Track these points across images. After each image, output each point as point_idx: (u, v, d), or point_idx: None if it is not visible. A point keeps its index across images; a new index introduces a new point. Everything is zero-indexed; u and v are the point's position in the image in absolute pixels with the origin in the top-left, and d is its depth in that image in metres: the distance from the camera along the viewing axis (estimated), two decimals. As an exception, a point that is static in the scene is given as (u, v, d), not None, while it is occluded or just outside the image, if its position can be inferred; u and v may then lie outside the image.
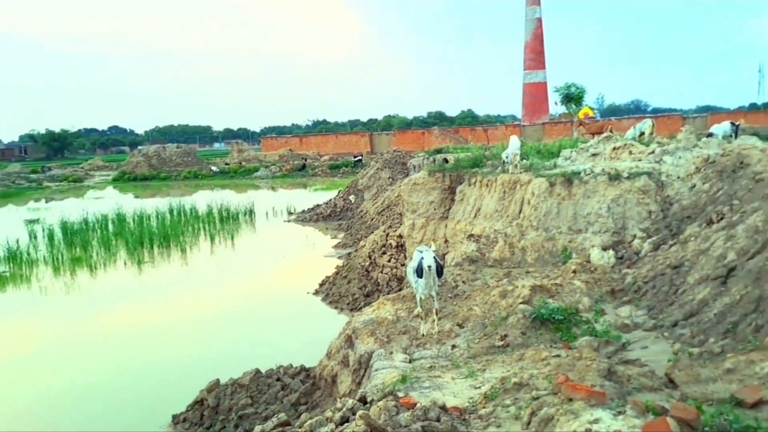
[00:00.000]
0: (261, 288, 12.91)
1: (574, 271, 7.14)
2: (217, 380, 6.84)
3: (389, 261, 11.09)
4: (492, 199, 9.59)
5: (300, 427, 4.20)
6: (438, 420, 3.78)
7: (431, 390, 4.50)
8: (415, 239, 9.90)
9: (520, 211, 9.05)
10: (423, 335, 5.87)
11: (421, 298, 6.06)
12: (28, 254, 16.09)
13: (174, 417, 6.51)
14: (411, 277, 6.18)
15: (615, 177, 8.49)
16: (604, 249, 7.84)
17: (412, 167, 16.16)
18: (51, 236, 18.41)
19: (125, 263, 15.60)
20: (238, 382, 6.75)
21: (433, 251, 6.05)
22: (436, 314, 6.11)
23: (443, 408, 3.95)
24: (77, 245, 17.30)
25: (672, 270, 6.19)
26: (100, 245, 17.34)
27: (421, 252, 5.65)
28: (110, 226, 20.04)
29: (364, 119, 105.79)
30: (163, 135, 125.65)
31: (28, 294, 13.14)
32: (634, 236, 7.93)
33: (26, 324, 11.18)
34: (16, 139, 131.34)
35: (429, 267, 5.54)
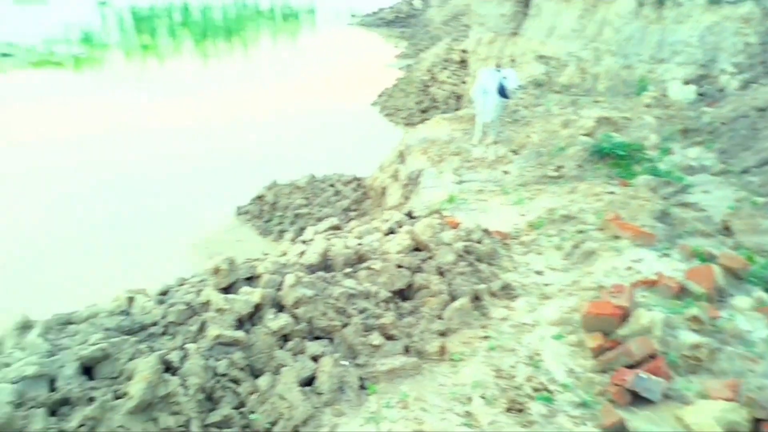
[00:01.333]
0: (319, 93, 12.78)
1: (648, 105, 6.65)
2: (276, 180, 7.06)
3: (449, 77, 10.61)
4: (570, 17, 8.73)
5: (349, 232, 4.32)
6: (479, 242, 3.80)
7: (477, 212, 4.49)
8: (479, 55, 9.31)
9: (599, 33, 8.27)
10: (475, 158, 5.74)
11: (481, 122, 5.82)
12: (100, 38, 16.20)
13: (238, 209, 6.86)
14: (475, 97, 5.88)
15: (715, 1, 7.51)
16: (686, 83, 7.20)
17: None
18: (121, 21, 18.34)
19: (190, 54, 15.55)
20: (295, 183, 6.94)
21: (502, 72, 5.70)
22: (493, 139, 5.92)
23: (486, 231, 3.96)
24: (145, 32, 17.22)
25: (757, 112, 5.67)
26: (167, 34, 17.22)
27: (498, 72, 5.27)
28: (176, 16, 19.71)
29: None
30: None
31: (101, 77, 13.44)
32: (723, 71, 7.20)
33: (99, 105, 11.56)
34: None
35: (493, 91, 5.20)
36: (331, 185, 6.90)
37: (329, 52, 16.92)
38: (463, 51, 10.41)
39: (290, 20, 20.56)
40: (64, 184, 7.73)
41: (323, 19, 21.58)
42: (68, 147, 9.10)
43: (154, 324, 3.13)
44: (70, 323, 3.32)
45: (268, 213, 6.83)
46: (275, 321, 2.90)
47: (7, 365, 2.86)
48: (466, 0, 14.55)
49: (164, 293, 3.48)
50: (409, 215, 4.36)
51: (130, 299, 3.36)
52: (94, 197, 7.37)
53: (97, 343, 2.85)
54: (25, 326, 3.32)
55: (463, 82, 9.87)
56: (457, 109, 8.98)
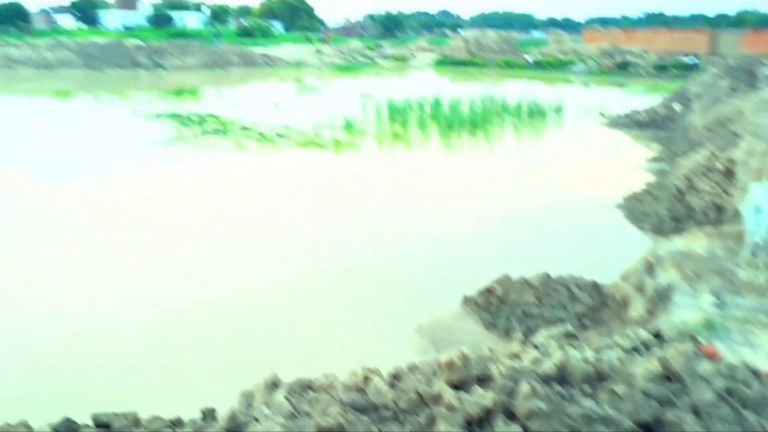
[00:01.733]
0: (560, 189, 12.64)
1: None
2: (507, 274, 7.05)
3: (710, 187, 9.75)
4: None
5: (586, 343, 4.10)
6: (746, 384, 3.32)
7: (741, 347, 3.95)
8: (750, 168, 8.43)
9: None
10: (742, 281, 5.11)
11: (752, 241, 5.22)
12: (360, 126, 18.24)
13: (465, 298, 6.97)
14: (746, 214, 5.33)
15: None
16: None
17: (763, 78, 13.55)
18: (378, 112, 20.52)
19: (436, 144, 16.66)
20: (527, 280, 6.85)
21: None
22: (765, 262, 5.24)
23: (755, 372, 3.45)
24: (398, 122, 18.96)
25: None
26: (417, 125, 18.75)
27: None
28: (427, 109, 21.41)
29: (711, 14, 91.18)
30: (487, 21, 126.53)
31: (356, 158, 15.05)
32: None
33: (349, 183, 12.88)
34: (360, 18, 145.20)
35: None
36: (566, 287, 6.67)
37: (574, 149, 16.80)
38: (730, 160, 9.54)
39: (536, 117, 20.96)
40: (301, 251, 8.68)
41: (570, 117, 21.60)
42: (314, 217, 10.22)
43: (386, 407, 3.24)
44: (310, 389, 3.58)
45: (495, 307, 6.81)
46: (506, 429, 2.82)
47: (256, 420, 3.17)
48: (736, 106, 13.47)
49: (396, 377, 3.60)
50: (657, 336, 4.00)
51: (366, 378, 3.53)
52: (333, 268, 8.11)
53: (334, 416, 3.04)
54: (273, 385, 3.67)
55: (727, 194, 8.99)
56: (717, 223, 8.18)
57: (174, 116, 20.02)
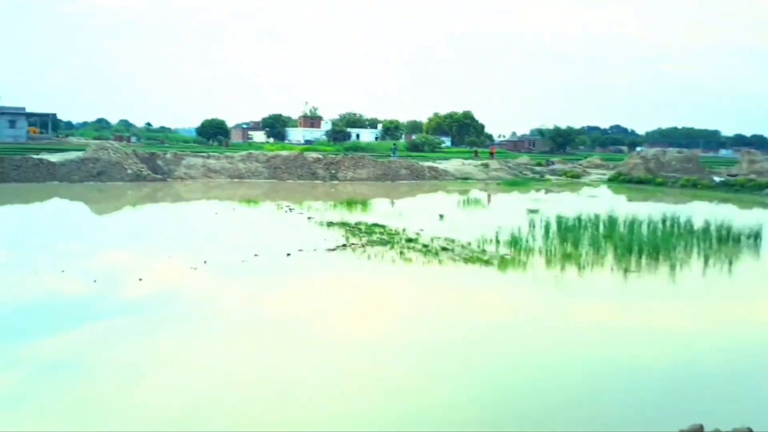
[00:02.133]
0: (761, 328, 11.08)
1: None
2: (701, 425, 6.13)
3: None
4: None
5: None
6: None
7: None
8: None
9: None
10: None
11: None
12: (527, 242, 17.83)
13: None
14: None
15: None
16: None
17: None
18: (547, 228, 20.01)
19: (612, 268, 15.67)
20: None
21: None
22: None
23: None
24: (569, 241, 18.26)
25: None
26: (589, 245, 17.90)
27: None
28: (601, 227, 20.48)
29: None
30: (665, 137, 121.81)
31: (523, 277, 14.56)
32: None
33: (518, 302, 12.41)
34: (527, 132, 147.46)
35: None
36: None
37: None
38: None
39: (728, 243, 19.09)
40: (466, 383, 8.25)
41: (768, 244, 19.43)
42: (478, 339, 9.82)
43: None
44: None
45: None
46: None
47: None
48: None
49: None
50: None
51: None
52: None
53: None
54: None
55: None
56: None
57: (344, 224, 21.15)
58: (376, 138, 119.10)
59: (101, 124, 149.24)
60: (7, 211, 25.86)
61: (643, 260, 16.48)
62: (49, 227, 21.74)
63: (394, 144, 77.15)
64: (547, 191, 41.25)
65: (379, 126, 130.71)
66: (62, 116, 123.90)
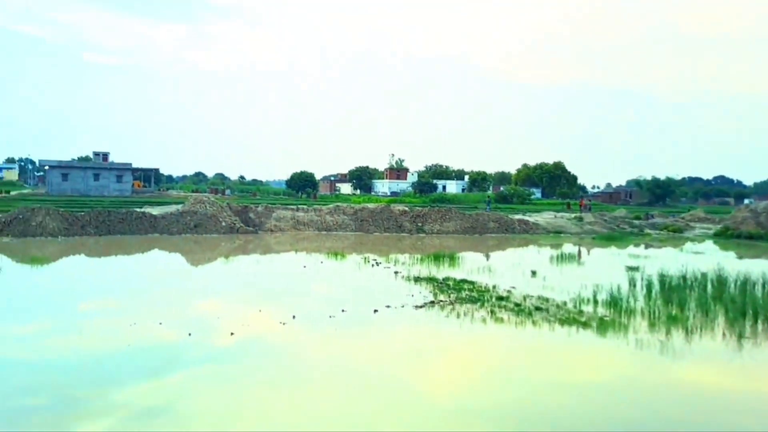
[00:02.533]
0: None
1: None
2: None
3: None
4: None
5: None
6: None
7: None
8: None
9: None
10: None
11: None
12: (627, 303, 16.95)
13: None
14: None
15: None
16: None
17: None
18: (649, 288, 18.98)
19: (723, 333, 14.56)
20: None
21: None
22: None
23: None
24: (673, 302, 17.21)
25: None
26: (697, 307, 16.78)
27: None
28: (708, 287, 19.21)
29: None
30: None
31: (624, 341, 13.76)
32: None
33: (620, 371, 11.70)
34: (623, 183, 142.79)
35: None
36: None
37: None
38: None
39: None
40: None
41: None
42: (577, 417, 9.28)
43: None
44: None
45: None
46: None
47: None
48: None
49: None
50: None
51: None
52: None
53: None
54: None
55: None
56: None
57: (431, 280, 20.98)
58: (463, 189, 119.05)
59: (198, 177, 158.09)
60: (111, 262, 27.56)
61: (759, 325, 15.23)
62: (149, 278, 22.92)
63: (488, 196, 76.46)
64: (647, 246, 39.41)
65: (466, 177, 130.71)
66: (164, 170, 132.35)
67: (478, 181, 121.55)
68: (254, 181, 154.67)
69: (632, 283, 20.12)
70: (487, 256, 31.18)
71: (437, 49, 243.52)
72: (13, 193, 79.42)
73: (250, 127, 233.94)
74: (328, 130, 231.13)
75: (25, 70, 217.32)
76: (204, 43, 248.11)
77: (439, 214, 44.55)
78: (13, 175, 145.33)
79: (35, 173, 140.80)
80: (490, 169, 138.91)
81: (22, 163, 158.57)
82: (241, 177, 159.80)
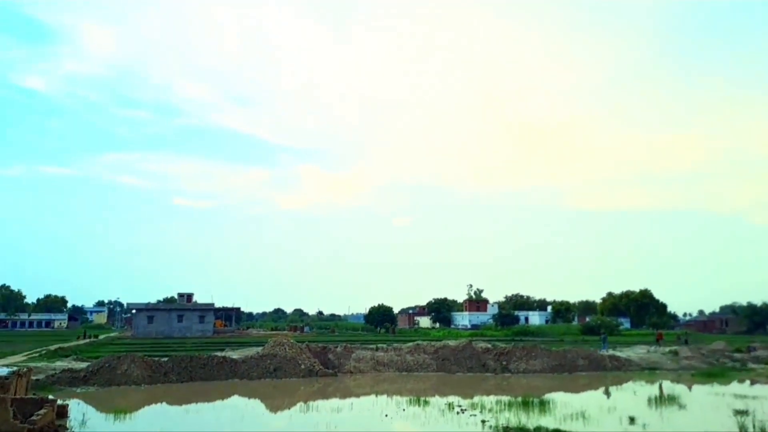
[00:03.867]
0: None
1: None
2: None
3: None
4: None
5: None
6: None
7: None
8: None
9: None
10: None
11: None
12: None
13: None
14: None
15: None
16: None
17: None
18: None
19: None
20: None
21: None
22: None
23: None
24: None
25: None
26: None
27: None
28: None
29: None
30: None
31: None
32: None
33: None
34: (717, 309, 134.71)
35: None
36: None
37: None
38: None
39: None
40: None
41: None
42: None
43: None
44: None
45: None
46: None
47: None
48: None
49: None
50: None
51: None
52: None
53: None
54: None
55: None
56: None
57: (521, 431, 19.96)
58: (546, 321, 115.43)
59: (278, 314, 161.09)
60: (192, 411, 27.87)
61: None
62: (228, 428, 22.93)
63: (603, 330, 71.63)
64: (753, 383, 36.34)
65: (549, 308, 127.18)
66: (245, 307, 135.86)
67: (562, 311, 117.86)
68: (332, 316, 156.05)
69: (742, 428, 18.45)
70: (578, 398, 29.50)
71: (514, 182, 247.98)
72: (101, 337, 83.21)
73: (328, 263, 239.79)
74: (405, 262, 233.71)
75: (120, 218, 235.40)
76: (284, 185, 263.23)
77: (524, 352, 43.06)
78: (102, 318, 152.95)
79: (123, 315, 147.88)
80: (574, 298, 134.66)
81: (111, 306, 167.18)
82: (319, 312, 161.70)
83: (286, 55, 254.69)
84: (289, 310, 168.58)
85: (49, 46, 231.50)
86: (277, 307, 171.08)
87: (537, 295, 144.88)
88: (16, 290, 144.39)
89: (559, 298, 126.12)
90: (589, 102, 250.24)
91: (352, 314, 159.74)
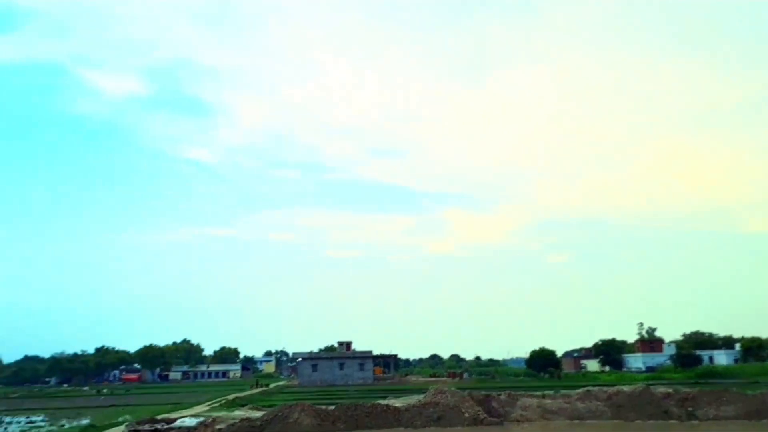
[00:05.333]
0: None
1: None
2: None
3: None
4: None
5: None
6: None
7: None
8: None
9: None
10: None
11: None
12: None
13: None
14: None
15: None
16: None
17: None
18: None
19: None
20: None
21: None
22: None
23: None
24: None
25: None
26: None
27: None
28: None
29: None
30: None
31: None
32: None
33: None
34: None
35: None
36: None
37: None
38: None
39: None
40: None
41: None
42: None
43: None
44: None
45: None
46: None
47: None
48: None
49: None
50: None
51: None
52: None
53: None
54: None
55: None
56: None
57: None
58: (735, 360, 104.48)
59: (434, 360, 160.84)
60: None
61: None
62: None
63: None
64: None
65: (737, 345, 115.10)
66: (401, 354, 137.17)
67: (754, 349, 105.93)
68: (491, 362, 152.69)
69: None
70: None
71: (675, 208, 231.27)
72: (271, 386, 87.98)
73: (481, 306, 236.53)
74: (565, 301, 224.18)
75: (279, 271, 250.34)
76: (429, 230, 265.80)
77: (713, 396, 39.08)
78: (271, 367, 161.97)
79: (289, 364, 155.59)
80: (766, 333, 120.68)
81: (278, 356, 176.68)
82: (477, 357, 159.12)
83: (422, 103, 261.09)
84: (445, 355, 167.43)
85: (209, 120, 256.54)
86: (433, 353, 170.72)
87: (721, 331, 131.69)
88: (196, 344, 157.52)
89: (748, 334, 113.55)
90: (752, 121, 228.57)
91: (512, 358, 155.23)
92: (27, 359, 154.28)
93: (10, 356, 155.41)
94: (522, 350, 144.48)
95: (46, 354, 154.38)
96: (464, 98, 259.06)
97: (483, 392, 43.69)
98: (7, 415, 49.33)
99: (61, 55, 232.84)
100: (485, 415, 38.19)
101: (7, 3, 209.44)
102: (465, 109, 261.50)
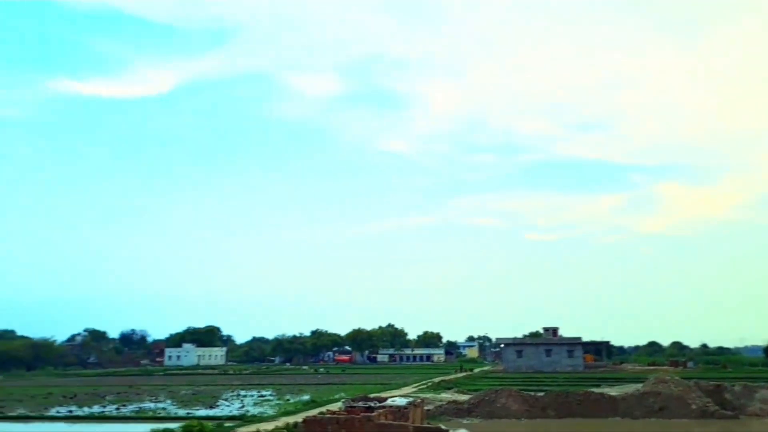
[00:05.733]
0: None
1: None
2: None
3: None
4: None
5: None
6: None
7: None
8: None
9: None
10: None
11: None
12: None
13: None
14: None
15: None
16: None
17: None
18: None
19: None
20: None
21: None
22: None
23: None
24: None
25: None
26: None
27: None
28: None
29: None
30: None
31: None
32: None
33: None
34: None
35: None
36: None
37: None
38: None
39: None
40: None
41: None
42: None
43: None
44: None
45: None
46: None
47: None
48: None
49: None
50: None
51: None
52: None
53: None
54: None
55: None
56: None
57: None
58: None
59: (653, 348, 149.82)
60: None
61: None
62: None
63: None
64: None
65: None
66: (614, 341, 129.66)
67: None
68: (720, 350, 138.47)
69: None
70: None
71: None
72: (476, 370, 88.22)
73: (708, 289, 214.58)
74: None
75: (479, 256, 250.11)
76: (640, 207, 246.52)
77: None
78: (474, 352, 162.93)
79: (492, 349, 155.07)
80: None
81: (481, 341, 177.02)
82: (704, 345, 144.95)
83: (624, 70, 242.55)
84: (665, 342, 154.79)
85: (402, 111, 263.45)
86: (651, 340, 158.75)
87: None
88: (400, 328, 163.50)
89: None
90: None
91: (746, 347, 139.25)
92: (255, 340, 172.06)
93: (242, 338, 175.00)
94: (758, 338, 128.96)
95: (270, 335, 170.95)
96: (673, 60, 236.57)
97: (713, 382, 39.52)
98: (242, 389, 55.74)
99: (266, 64, 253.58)
100: (716, 408, 34.44)
101: (217, 21, 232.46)
102: (675, 72, 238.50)
